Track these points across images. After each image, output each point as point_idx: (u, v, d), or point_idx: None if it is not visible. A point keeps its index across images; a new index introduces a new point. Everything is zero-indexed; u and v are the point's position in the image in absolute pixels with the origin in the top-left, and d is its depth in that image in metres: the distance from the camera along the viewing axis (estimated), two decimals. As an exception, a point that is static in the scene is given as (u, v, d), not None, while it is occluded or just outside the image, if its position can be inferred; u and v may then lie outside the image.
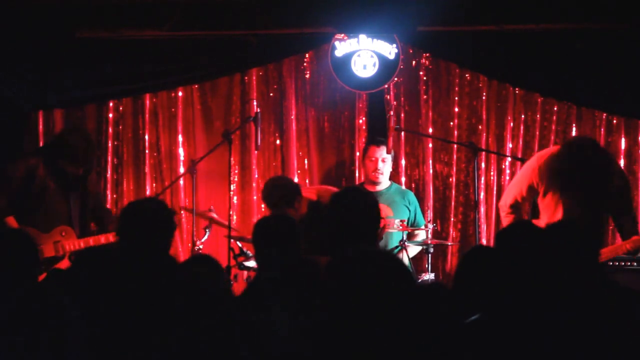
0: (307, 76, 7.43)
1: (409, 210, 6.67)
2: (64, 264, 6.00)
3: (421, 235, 6.55)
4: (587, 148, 5.43)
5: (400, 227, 6.20)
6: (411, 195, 6.80)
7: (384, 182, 6.70)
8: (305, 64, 7.43)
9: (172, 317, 3.27)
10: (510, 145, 7.28)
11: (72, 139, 6.10)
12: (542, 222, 5.58)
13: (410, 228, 6.49)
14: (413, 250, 6.57)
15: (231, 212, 6.24)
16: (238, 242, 6.29)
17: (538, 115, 7.26)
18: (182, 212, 7.27)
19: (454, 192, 7.35)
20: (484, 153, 7.18)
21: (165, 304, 3.32)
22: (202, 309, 3.30)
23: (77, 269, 3.50)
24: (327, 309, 2.95)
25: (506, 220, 5.75)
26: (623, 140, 7.23)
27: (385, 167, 6.65)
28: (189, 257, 3.87)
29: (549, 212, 5.55)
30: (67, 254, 6.04)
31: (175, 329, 3.23)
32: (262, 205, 7.42)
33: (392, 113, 7.30)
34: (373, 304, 2.87)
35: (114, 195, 7.38)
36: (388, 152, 6.45)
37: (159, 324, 3.27)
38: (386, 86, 7.25)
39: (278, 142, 7.47)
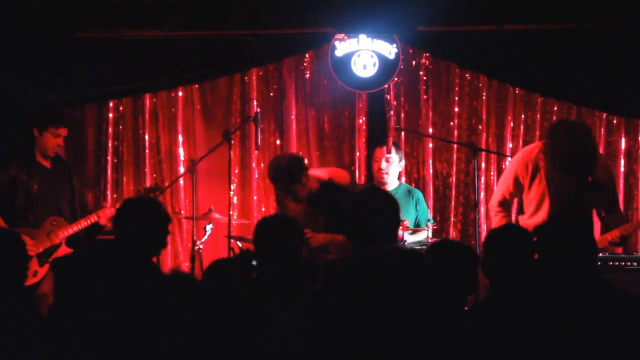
0: (307, 76, 7.43)
1: (417, 210, 6.65)
2: (63, 250, 6.09)
3: (422, 233, 6.52)
4: (579, 130, 5.37)
5: (401, 227, 6.19)
6: (418, 194, 6.75)
7: (392, 183, 6.65)
8: (305, 64, 7.43)
9: (168, 316, 3.27)
10: (510, 145, 7.28)
11: (39, 111, 6.41)
12: (525, 217, 5.56)
13: (412, 228, 6.48)
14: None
15: (231, 212, 6.23)
16: (238, 242, 6.29)
17: (538, 115, 7.26)
18: (182, 212, 7.27)
19: (454, 192, 7.36)
20: (484, 153, 7.18)
21: (160, 301, 3.32)
22: (200, 308, 3.30)
23: (69, 269, 3.51)
24: (336, 308, 2.95)
25: (496, 219, 5.66)
26: (623, 140, 7.24)
27: (390, 167, 6.58)
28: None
29: (533, 206, 5.51)
30: (62, 241, 6.09)
31: (172, 328, 3.23)
32: (262, 205, 7.44)
33: (392, 113, 7.30)
34: (384, 303, 2.87)
35: (114, 195, 7.38)
36: (388, 152, 6.42)
37: (155, 322, 3.27)
38: (386, 86, 7.25)
39: (278, 142, 7.47)
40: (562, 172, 5.31)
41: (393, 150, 6.51)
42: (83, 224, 6.14)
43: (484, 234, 7.13)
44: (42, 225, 6.11)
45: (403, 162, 6.80)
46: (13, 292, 3.54)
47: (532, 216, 5.48)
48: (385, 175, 6.59)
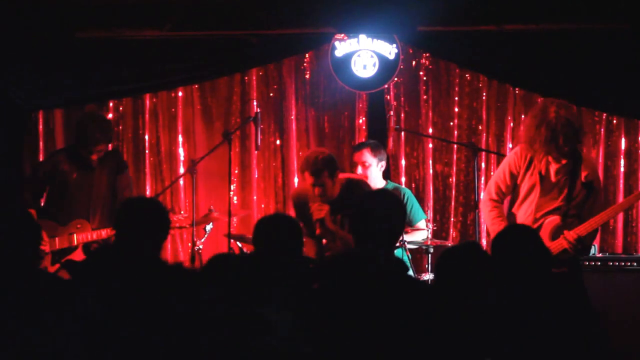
0: (307, 76, 7.43)
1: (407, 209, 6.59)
2: (78, 255, 6.06)
3: (420, 233, 6.48)
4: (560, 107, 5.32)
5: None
6: (406, 192, 6.71)
7: (376, 186, 6.56)
8: (305, 64, 7.43)
9: (168, 316, 3.27)
10: (510, 146, 7.28)
11: (81, 122, 6.22)
12: (515, 207, 5.50)
13: (410, 228, 6.47)
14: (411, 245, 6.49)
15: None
16: (238, 242, 6.28)
17: (538, 116, 7.25)
18: (182, 212, 7.27)
19: (454, 192, 7.35)
20: (484, 153, 7.18)
21: (160, 302, 3.32)
22: (200, 308, 3.31)
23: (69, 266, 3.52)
24: (323, 308, 2.96)
25: (491, 214, 5.44)
26: (623, 140, 7.24)
27: (369, 171, 6.47)
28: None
29: (522, 196, 5.43)
30: (79, 245, 6.08)
31: (172, 328, 3.23)
32: (262, 205, 7.43)
33: (392, 113, 7.31)
34: (367, 304, 2.88)
35: (114, 195, 7.37)
36: (373, 156, 6.37)
37: (155, 322, 3.27)
38: (386, 86, 7.25)
39: (278, 142, 7.47)
40: (539, 144, 5.26)
41: (368, 154, 6.44)
42: (102, 233, 6.10)
43: (484, 234, 7.13)
44: (68, 225, 6.09)
45: (384, 162, 6.65)
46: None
47: (520, 206, 5.45)
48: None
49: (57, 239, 6.04)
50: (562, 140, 5.19)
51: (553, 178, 5.33)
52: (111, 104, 7.40)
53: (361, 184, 5.74)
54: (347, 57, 7.12)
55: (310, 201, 5.60)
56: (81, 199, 6.15)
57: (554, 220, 5.26)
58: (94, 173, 6.17)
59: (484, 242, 7.04)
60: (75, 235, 6.07)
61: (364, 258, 3.34)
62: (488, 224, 5.53)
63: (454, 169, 7.36)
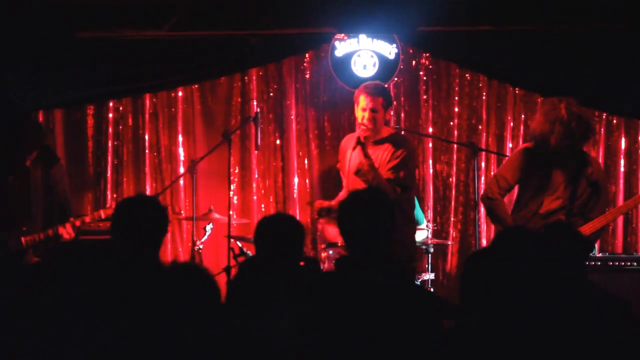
0: (307, 76, 7.44)
1: None
2: (30, 258, 6.00)
3: (420, 234, 6.51)
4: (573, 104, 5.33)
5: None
6: None
7: None
8: (305, 64, 7.43)
9: (166, 316, 3.27)
10: (510, 145, 7.28)
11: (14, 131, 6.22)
12: (519, 207, 5.49)
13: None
14: None
15: (231, 212, 6.22)
16: (238, 242, 6.28)
17: (538, 115, 7.26)
18: (182, 212, 7.27)
19: (454, 192, 7.36)
20: (484, 153, 7.18)
21: (158, 303, 3.32)
22: (198, 308, 3.31)
23: (64, 265, 3.50)
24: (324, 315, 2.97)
25: (498, 209, 5.47)
26: (623, 140, 7.24)
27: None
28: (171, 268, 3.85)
29: (527, 196, 5.43)
30: (29, 247, 6.00)
31: (171, 329, 3.23)
32: (262, 205, 7.43)
33: (392, 113, 7.30)
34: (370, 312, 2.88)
35: (114, 195, 7.37)
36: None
37: (153, 323, 3.27)
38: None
39: (278, 142, 7.47)
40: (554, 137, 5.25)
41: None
42: (50, 234, 6.03)
43: (484, 234, 7.15)
44: (16, 231, 6.05)
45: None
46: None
47: (525, 204, 5.44)
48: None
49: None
50: (577, 137, 5.21)
51: (559, 177, 5.34)
52: (111, 104, 7.40)
53: (407, 137, 5.79)
54: (347, 57, 7.13)
55: (350, 148, 5.63)
56: (21, 202, 6.08)
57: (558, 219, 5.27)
58: (29, 175, 6.15)
59: (483, 241, 7.06)
60: (22, 239, 6.02)
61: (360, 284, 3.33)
62: (498, 217, 5.47)
63: (454, 168, 7.37)
